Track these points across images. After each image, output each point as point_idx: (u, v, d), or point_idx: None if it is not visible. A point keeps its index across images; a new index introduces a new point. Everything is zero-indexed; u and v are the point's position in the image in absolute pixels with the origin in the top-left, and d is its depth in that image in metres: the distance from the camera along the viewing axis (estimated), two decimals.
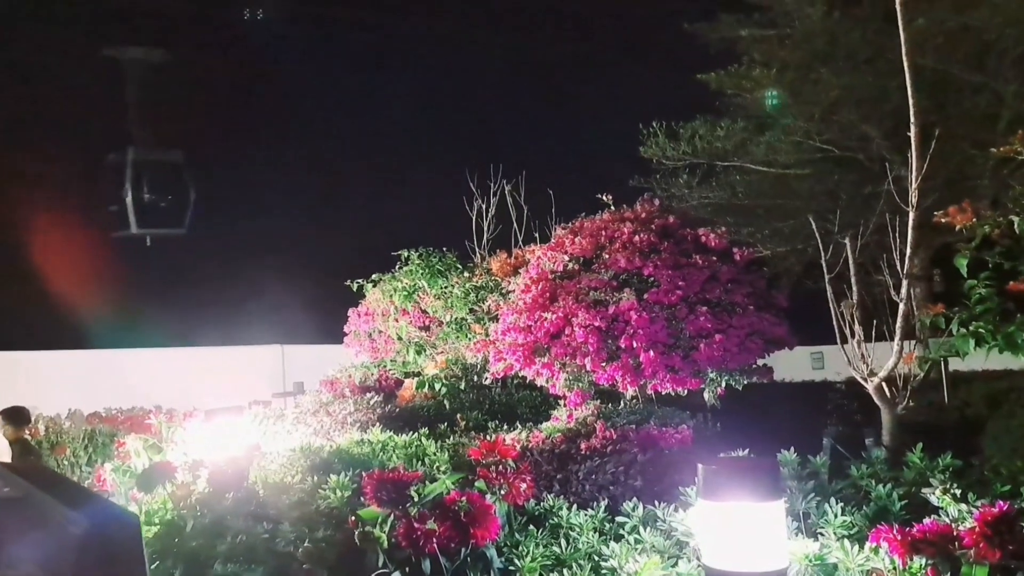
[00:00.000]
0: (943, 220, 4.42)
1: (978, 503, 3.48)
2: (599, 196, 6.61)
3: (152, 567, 3.69)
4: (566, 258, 5.97)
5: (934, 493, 3.37)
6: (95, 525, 1.79)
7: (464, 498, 3.48)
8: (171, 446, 5.72)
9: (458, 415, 6.45)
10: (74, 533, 1.79)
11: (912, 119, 4.62)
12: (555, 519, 4.03)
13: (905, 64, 4.60)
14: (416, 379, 6.98)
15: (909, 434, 5.17)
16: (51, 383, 10.14)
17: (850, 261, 5.09)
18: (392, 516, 3.47)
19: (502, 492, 3.74)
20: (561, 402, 6.01)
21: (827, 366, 13.32)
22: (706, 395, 5.67)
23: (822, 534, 3.74)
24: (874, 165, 10.98)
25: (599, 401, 6.05)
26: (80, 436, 8.53)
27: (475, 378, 7.20)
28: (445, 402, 6.89)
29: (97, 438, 8.57)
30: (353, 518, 3.60)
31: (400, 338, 7.79)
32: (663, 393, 5.81)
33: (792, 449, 4.65)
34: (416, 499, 3.60)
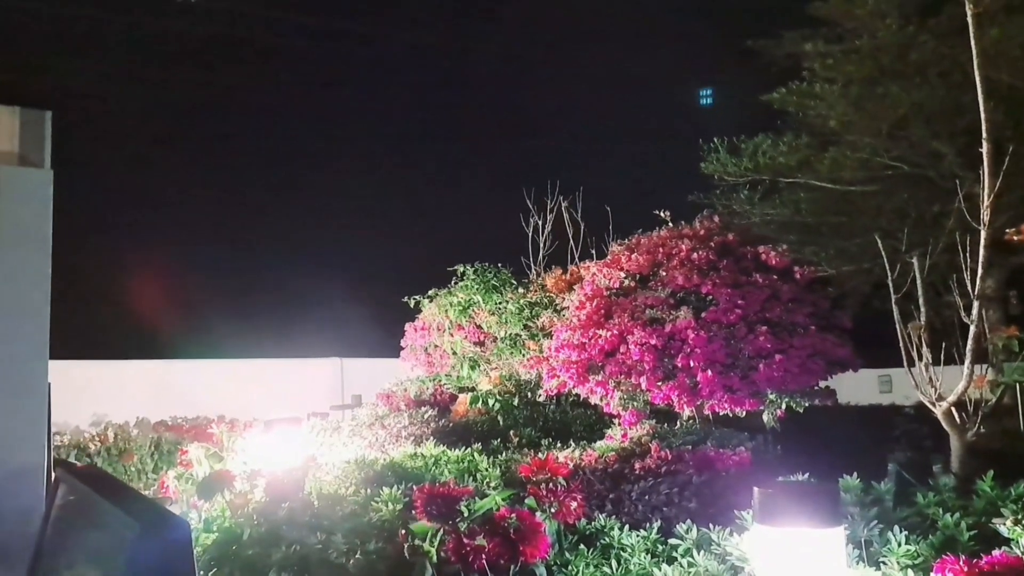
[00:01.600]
0: (1015, 238, 4.24)
1: None
2: (656, 212, 6.54)
3: (210, 574, 3.77)
4: (622, 275, 5.90)
5: (1005, 523, 3.21)
6: (147, 530, 1.83)
7: (514, 515, 3.46)
8: (232, 455, 5.84)
9: (511, 431, 6.43)
10: (128, 537, 1.84)
11: (984, 135, 4.45)
12: (606, 539, 3.97)
13: (977, 79, 4.44)
14: (470, 394, 6.98)
15: (980, 461, 4.94)
16: (121, 392, 10.48)
17: (918, 281, 4.91)
18: (442, 531, 3.47)
19: (552, 510, 3.70)
20: (616, 421, 5.93)
21: (895, 389, 12.86)
22: (765, 417, 5.52)
23: (884, 563, 3.60)
24: (946, 182, 10.56)
25: (654, 421, 5.96)
26: (147, 444, 8.77)
27: (529, 394, 7.17)
28: (499, 418, 6.87)
29: (163, 446, 8.80)
30: (404, 532, 3.62)
31: (455, 353, 7.81)
32: (721, 414, 5.68)
33: (855, 475, 4.49)
34: (466, 514, 3.59)
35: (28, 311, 2.98)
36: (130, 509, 1.91)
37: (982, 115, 4.43)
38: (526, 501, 3.77)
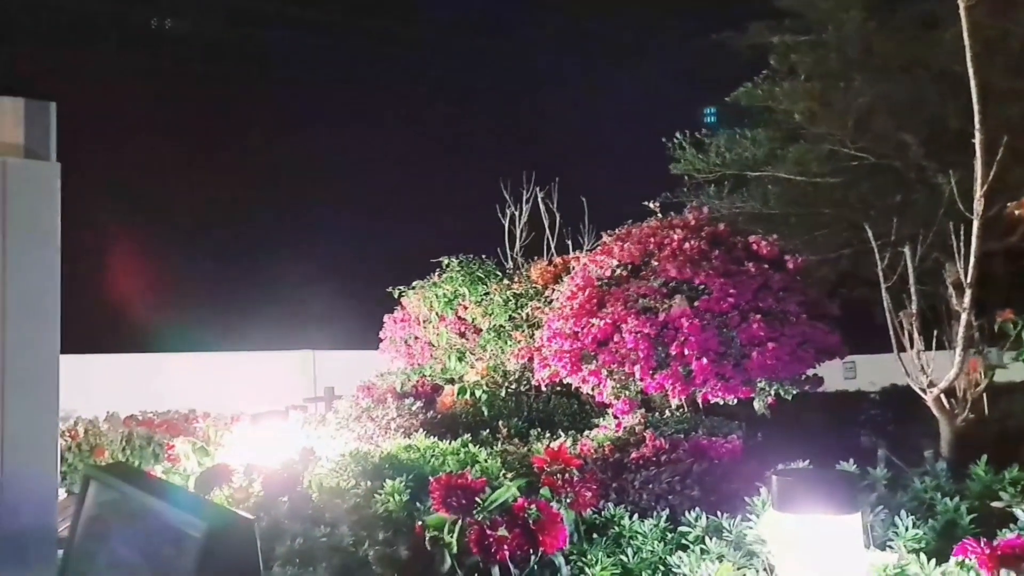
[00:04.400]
0: (1016, 212, 4.35)
1: None
2: (645, 204, 6.57)
3: None
4: (614, 263, 5.92)
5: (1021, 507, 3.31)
6: (215, 529, 1.78)
7: (533, 506, 3.45)
8: (218, 449, 5.74)
9: (499, 422, 6.42)
10: (194, 537, 1.78)
11: (977, 126, 4.55)
12: (616, 528, 3.98)
13: (970, 70, 4.53)
14: (457, 386, 6.94)
15: (967, 446, 5.09)
16: (87, 387, 10.16)
17: (910, 269, 5.03)
18: (462, 522, 3.44)
19: (568, 500, 3.70)
20: (609, 411, 5.96)
21: (859, 376, 13.21)
22: (756, 404, 5.60)
23: (891, 547, 3.68)
24: (910, 172, 10.88)
25: (643, 410, 6.00)
26: (118, 439, 8.53)
27: (514, 385, 7.16)
28: (483, 409, 6.85)
29: (135, 440, 8.58)
30: (420, 524, 3.59)
31: (439, 345, 7.75)
32: (711, 402, 5.74)
33: (852, 460, 4.60)
34: (481, 505, 3.57)
35: (40, 305, 2.91)
36: (193, 509, 1.85)
37: (975, 107, 4.53)
38: (541, 491, 3.76)
